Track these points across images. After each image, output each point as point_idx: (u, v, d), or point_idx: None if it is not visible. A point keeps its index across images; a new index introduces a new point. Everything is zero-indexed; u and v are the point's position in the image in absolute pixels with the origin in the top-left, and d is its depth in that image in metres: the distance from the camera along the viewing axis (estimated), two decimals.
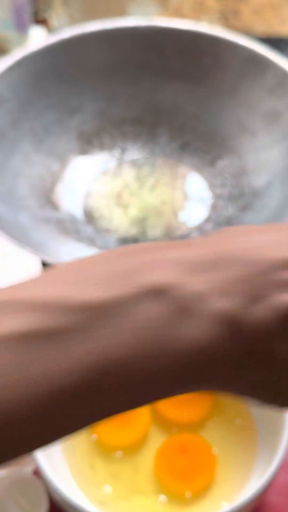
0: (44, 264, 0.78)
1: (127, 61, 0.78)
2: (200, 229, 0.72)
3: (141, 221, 0.72)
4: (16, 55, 0.73)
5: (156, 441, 0.57)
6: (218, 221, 0.72)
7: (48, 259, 0.61)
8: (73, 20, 2.02)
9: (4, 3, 1.84)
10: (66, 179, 0.75)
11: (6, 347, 0.25)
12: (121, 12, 2.03)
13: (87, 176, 0.76)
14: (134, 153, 0.78)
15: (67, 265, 0.28)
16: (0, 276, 0.91)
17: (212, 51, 0.76)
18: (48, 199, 0.72)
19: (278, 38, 2.17)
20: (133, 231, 0.72)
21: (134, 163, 0.77)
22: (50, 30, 2.10)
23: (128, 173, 0.76)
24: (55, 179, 0.74)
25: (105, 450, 0.56)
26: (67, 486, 0.53)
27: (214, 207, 0.73)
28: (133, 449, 0.56)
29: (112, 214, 0.73)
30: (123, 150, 0.78)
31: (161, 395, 0.27)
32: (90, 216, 0.73)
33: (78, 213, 0.73)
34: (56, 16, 2.19)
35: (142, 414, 0.57)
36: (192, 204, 0.74)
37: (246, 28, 2.17)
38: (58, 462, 0.55)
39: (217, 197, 0.74)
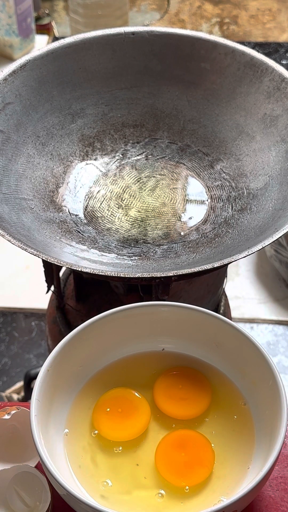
0: (47, 265, 0.78)
1: (128, 66, 0.79)
2: (198, 229, 0.72)
3: (142, 222, 0.73)
4: (20, 60, 0.74)
5: (156, 436, 0.57)
6: (217, 222, 0.73)
7: (51, 260, 0.61)
8: (76, 26, 2.03)
9: (8, 10, 1.85)
10: (69, 181, 0.76)
11: None
12: (122, 18, 2.04)
13: (89, 178, 0.77)
14: (135, 155, 0.79)
15: None
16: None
17: (210, 56, 0.77)
18: (51, 201, 0.73)
19: (275, 43, 2.18)
20: (133, 232, 0.72)
21: (135, 165, 0.78)
22: (53, 36, 2.11)
23: (129, 175, 0.77)
24: (57, 181, 0.75)
25: (106, 446, 0.57)
26: (69, 481, 0.54)
27: (212, 208, 0.74)
28: (133, 444, 0.57)
29: (113, 215, 0.73)
30: (124, 153, 0.79)
31: None
32: (92, 217, 0.73)
33: (80, 214, 0.74)
34: (59, 22, 2.20)
35: (142, 410, 0.58)
36: (191, 205, 0.75)
37: (244, 33, 2.18)
38: (60, 457, 0.56)
39: (215, 198, 0.75)
